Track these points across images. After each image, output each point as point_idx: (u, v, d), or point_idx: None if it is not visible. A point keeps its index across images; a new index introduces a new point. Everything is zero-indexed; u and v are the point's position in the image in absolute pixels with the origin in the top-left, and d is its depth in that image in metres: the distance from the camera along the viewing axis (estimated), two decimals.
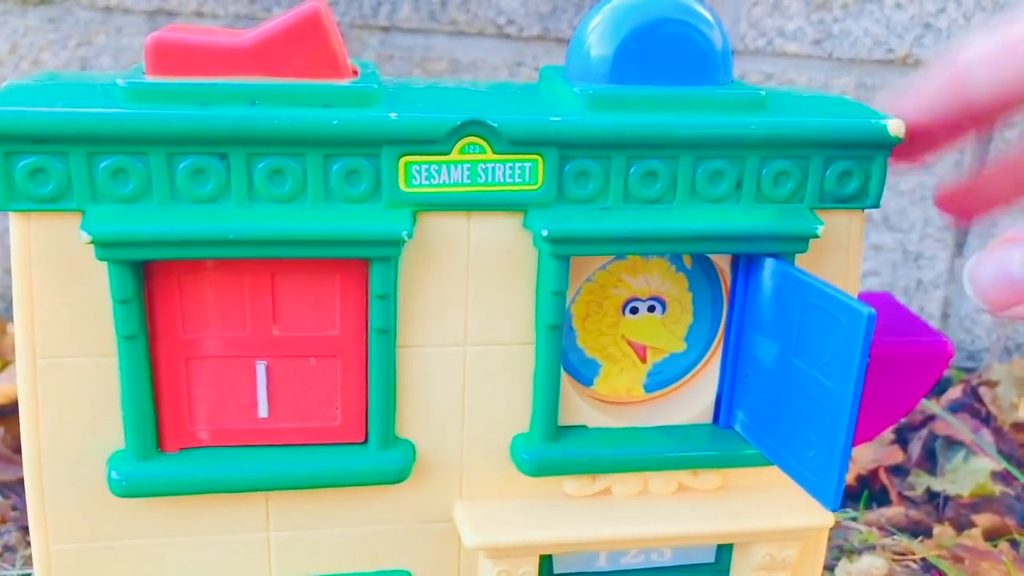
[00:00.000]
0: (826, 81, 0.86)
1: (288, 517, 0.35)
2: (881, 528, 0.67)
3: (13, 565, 0.57)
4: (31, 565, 0.59)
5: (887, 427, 0.41)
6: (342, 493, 0.35)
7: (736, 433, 0.36)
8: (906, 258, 0.92)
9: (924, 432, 0.78)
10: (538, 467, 0.35)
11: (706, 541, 0.37)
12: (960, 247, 0.91)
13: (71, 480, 0.33)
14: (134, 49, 0.85)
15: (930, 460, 0.77)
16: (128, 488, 0.32)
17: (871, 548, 0.63)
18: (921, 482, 0.74)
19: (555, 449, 0.35)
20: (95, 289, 0.31)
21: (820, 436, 0.31)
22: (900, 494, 0.73)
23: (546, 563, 0.37)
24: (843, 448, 0.30)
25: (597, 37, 0.34)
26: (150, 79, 0.30)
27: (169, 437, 0.33)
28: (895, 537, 0.65)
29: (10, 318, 0.90)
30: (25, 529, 0.61)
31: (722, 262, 0.36)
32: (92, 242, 0.29)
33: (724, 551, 0.38)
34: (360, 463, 0.34)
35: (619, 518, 0.35)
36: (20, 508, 0.64)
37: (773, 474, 0.37)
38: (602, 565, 0.37)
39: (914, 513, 0.70)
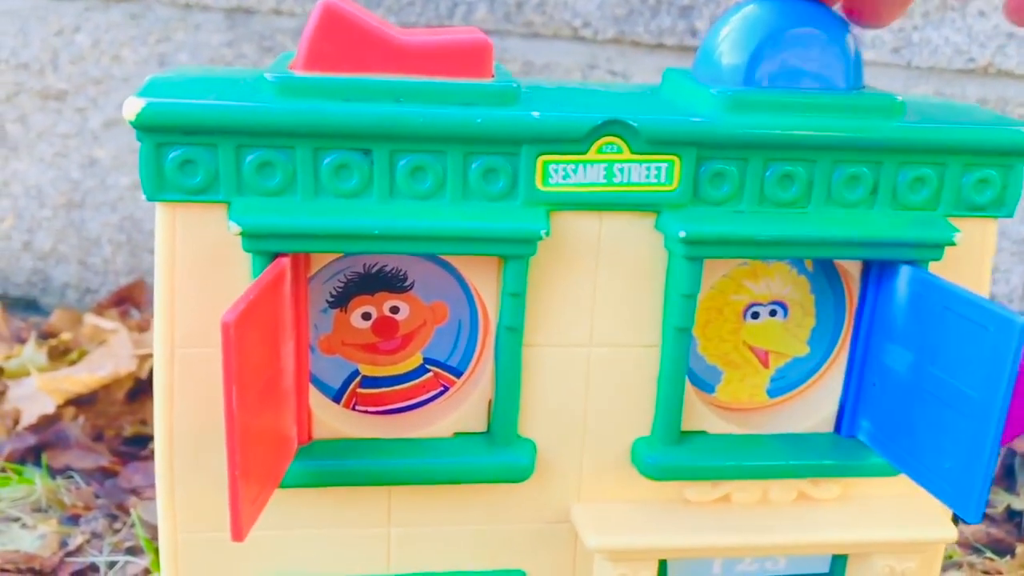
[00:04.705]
0: (904, 90, 0.85)
1: (409, 513, 0.35)
2: (962, 545, 0.66)
3: (100, 552, 0.58)
4: (119, 551, 0.60)
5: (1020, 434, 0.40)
6: (463, 490, 0.35)
7: (858, 442, 0.36)
8: None
9: (1002, 449, 0.77)
10: (659, 471, 0.35)
11: (825, 551, 0.36)
12: None
13: (201, 470, 0.33)
14: (212, 46, 0.87)
15: (1009, 478, 0.76)
16: None
17: (956, 565, 0.62)
18: (1000, 500, 0.72)
19: (677, 454, 0.35)
20: (235, 280, 0.31)
21: (959, 447, 0.30)
22: None
23: (662, 568, 0.36)
24: (987, 460, 0.30)
25: (731, 41, 0.34)
26: (298, 74, 0.31)
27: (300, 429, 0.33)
28: (981, 555, 0.64)
29: (84, 309, 0.91)
30: (112, 516, 0.62)
31: (848, 265, 0.35)
32: (241, 233, 0.30)
33: (838, 561, 0.38)
34: (483, 460, 0.34)
35: (738, 526, 0.35)
36: (102, 495, 0.65)
37: (894, 485, 0.36)
38: (716, 572, 0.37)
39: (994, 531, 0.69)
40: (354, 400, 0.35)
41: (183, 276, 0.31)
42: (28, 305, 0.92)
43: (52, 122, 0.89)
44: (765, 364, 0.37)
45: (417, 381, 0.36)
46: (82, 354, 0.82)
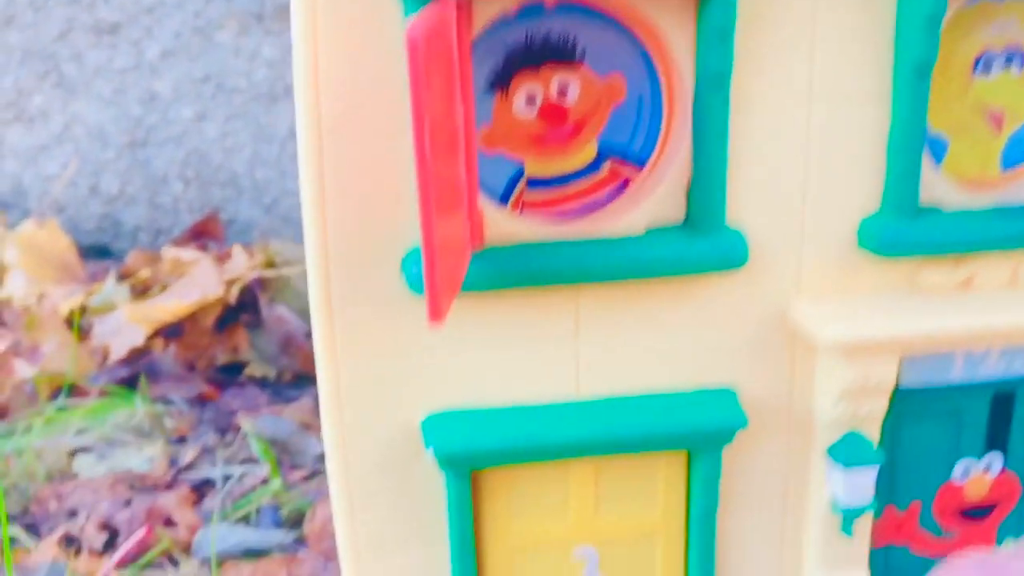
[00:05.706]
0: None
1: (600, 322, 0.30)
2: None
3: (215, 464, 0.55)
4: (232, 463, 0.56)
5: None
6: (660, 292, 0.30)
7: None
8: None
9: None
10: (895, 248, 0.29)
11: None
12: None
13: (361, 286, 0.28)
14: None
15: None
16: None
17: None
18: None
19: (913, 228, 0.29)
20: (386, 45, 0.26)
21: None
22: None
23: None
24: None
25: None
26: None
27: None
28: None
29: (158, 250, 0.88)
30: (221, 431, 0.59)
31: None
32: None
33: None
34: (684, 250, 0.29)
35: (988, 309, 0.30)
36: (204, 419, 0.62)
37: None
38: (956, 375, 0.32)
39: None
40: (521, 204, 0.30)
41: (326, 43, 0.26)
42: (100, 251, 0.89)
43: (107, 57, 0.85)
44: (999, 128, 0.31)
45: (591, 177, 0.30)
46: (163, 288, 0.78)
